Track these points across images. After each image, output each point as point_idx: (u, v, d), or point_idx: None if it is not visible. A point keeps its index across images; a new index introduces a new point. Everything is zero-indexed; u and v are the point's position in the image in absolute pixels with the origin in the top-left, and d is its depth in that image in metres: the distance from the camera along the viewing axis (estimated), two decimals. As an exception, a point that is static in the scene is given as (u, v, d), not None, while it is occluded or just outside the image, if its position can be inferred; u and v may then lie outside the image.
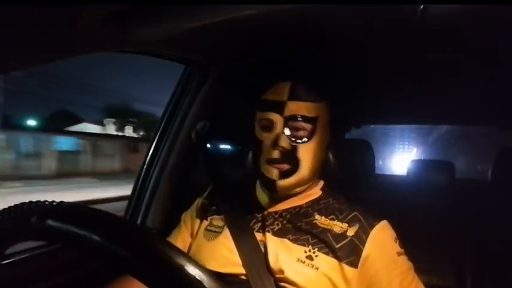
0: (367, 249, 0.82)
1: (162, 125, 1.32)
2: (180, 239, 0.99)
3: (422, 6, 0.74)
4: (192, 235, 0.98)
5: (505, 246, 1.28)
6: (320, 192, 0.96)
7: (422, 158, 5.45)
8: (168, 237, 1.01)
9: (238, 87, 1.36)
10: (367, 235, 0.84)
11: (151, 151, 1.32)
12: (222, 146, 1.43)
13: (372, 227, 0.85)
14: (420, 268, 0.87)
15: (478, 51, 1.03)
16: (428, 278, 0.92)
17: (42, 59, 0.73)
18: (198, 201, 1.03)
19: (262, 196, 0.96)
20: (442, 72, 1.23)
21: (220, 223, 0.93)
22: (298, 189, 0.91)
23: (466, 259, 1.33)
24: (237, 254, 0.85)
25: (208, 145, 1.12)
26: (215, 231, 0.92)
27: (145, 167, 1.32)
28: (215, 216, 0.96)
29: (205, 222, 0.96)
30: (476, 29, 0.86)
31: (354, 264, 0.81)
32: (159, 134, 1.32)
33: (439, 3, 0.75)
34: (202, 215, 0.99)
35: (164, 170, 1.29)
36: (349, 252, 0.82)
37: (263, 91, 0.95)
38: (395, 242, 0.86)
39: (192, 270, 0.35)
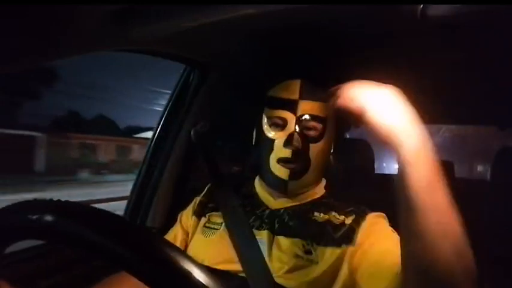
0: (364, 228, 0.81)
1: (162, 125, 1.32)
2: (176, 238, 0.98)
3: (422, 6, 0.74)
4: (188, 233, 0.98)
5: (505, 247, 1.27)
6: (323, 191, 0.96)
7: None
8: (164, 236, 1.00)
9: (238, 87, 1.36)
10: (364, 219, 0.83)
11: (151, 151, 1.32)
12: (222, 146, 1.42)
13: (368, 214, 0.85)
14: None
15: (478, 51, 1.03)
16: None
17: (42, 58, 0.73)
18: (196, 200, 1.03)
19: (263, 194, 0.95)
20: (441, 72, 1.23)
21: (219, 220, 0.93)
22: (304, 189, 0.91)
23: None
24: (234, 250, 0.84)
25: (208, 145, 1.12)
26: (213, 228, 0.92)
27: (145, 166, 1.32)
28: (213, 214, 0.95)
29: (203, 220, 0.96)
30: (476, 29, 0.86)
31: (351, 241, 0.80)
32: (158, 133, 1.32)
33: (439, 3, 0.75)
34: (200, 212, 0.98)
35: (164, 170, 1.29)
36: (346, 235, 0.81)
37: (267, 88, 0.94)
38: (389, 227, 0.84)
39: (193, 270, 0.35)
